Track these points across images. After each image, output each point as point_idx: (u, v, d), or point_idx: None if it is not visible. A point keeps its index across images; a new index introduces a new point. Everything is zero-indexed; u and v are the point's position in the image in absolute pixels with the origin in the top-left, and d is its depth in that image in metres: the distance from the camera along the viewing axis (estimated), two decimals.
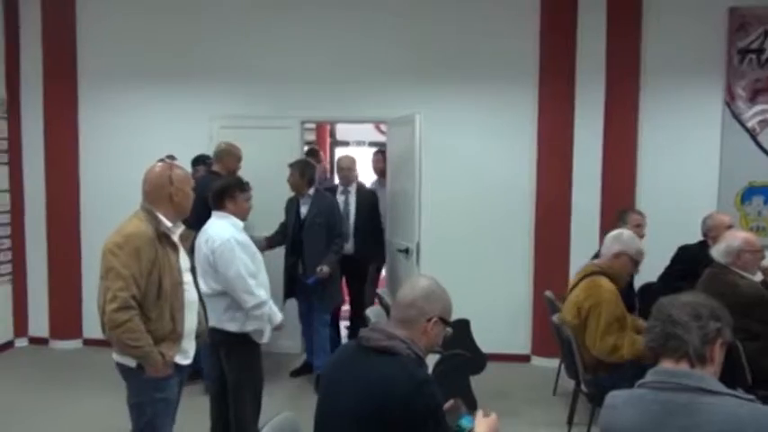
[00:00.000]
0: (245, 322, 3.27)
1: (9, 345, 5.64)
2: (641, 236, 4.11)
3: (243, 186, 3.49)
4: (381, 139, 9.03)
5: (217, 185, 3.47)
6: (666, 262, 4.57)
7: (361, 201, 5.34)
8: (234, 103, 5.45)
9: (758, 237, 4.35)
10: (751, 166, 5.13)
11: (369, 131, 10.51)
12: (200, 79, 5.50)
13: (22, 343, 5.73)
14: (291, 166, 4.77)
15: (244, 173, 5.04)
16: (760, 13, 5.06)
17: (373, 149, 6.90)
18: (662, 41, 5.13)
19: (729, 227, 4.21)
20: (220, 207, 3.38)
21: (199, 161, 4.98)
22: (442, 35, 5.34)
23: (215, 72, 5.49)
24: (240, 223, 3.39)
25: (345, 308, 5.69)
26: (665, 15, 5.14)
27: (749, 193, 5.19)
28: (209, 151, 5.05)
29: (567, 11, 5.16)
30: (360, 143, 12.02)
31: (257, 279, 3.28)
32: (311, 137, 9.67)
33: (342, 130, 11.52)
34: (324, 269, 4.55)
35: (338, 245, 4.75)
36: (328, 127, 10.56)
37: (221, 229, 3.29)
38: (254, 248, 3.37)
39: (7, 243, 5.62)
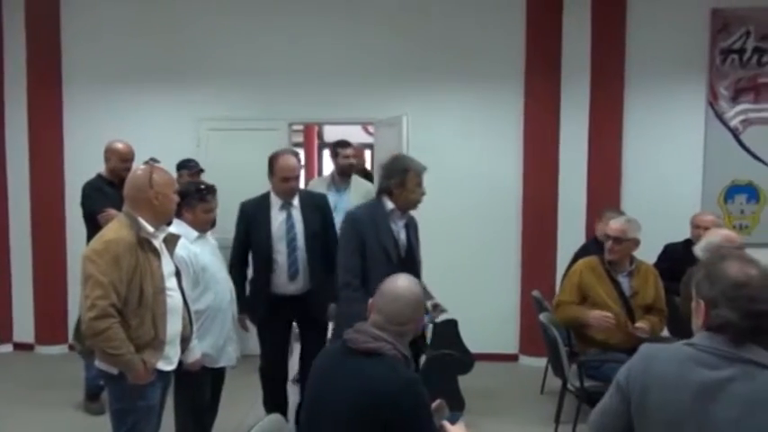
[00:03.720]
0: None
1: None
2: None
3: (202, 195, 3.14)
4: (369, 140, 9.05)
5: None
6: (651, 259, 4.61)
7: (309, 215, 3.71)
8: (221, 105, 5.42)
9: (741, 235, 4.46)
10: (734, 164, 5.20)
11: (357, 133, 10.53)
12: (187, 81, 5.48)
13: (6, 349, 5.67)
14: (412, 168, 3.55)
15: (230, 175, 4.98)
16: (741, 14, 5.14)
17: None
18: (646, 42, 5.18)
19: (707, 228, 4.22)
20: (177, 215, 3.00)
21: (182, 166, 4.85)
22: (429, 36, 5.35)
23: (202, 74, 5.46)
24: (193, 233, 3.11)
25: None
26: (649, 16, 5.19)
27: (732, 191, 5.25)
28: (197, 154, 5.02)
29: (553, 11, 5.20)
30: None
31: (200, 302, 3.05)
32: (299, 138, 9.67)
33: (329, 132, 11.54)
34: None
35: None
36: (316, 128, 10.58)
37: None
38: (201, 263, 3.07)
39: None
